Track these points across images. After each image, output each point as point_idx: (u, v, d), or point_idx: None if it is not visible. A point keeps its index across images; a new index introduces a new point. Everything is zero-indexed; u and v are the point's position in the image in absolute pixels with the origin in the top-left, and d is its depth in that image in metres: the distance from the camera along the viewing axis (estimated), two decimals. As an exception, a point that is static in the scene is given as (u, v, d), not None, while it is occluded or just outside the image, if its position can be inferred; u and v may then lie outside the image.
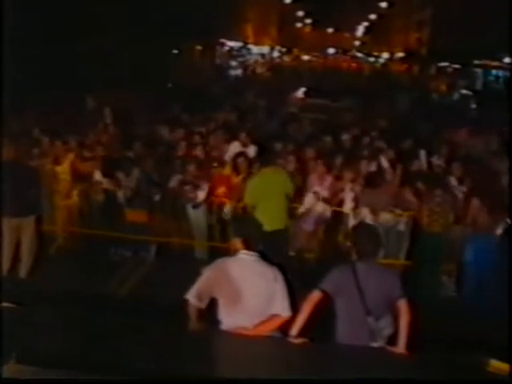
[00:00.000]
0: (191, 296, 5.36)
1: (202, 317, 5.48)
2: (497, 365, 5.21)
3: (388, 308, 5.33)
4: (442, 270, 9.23)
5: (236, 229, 5.94)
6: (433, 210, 8.84)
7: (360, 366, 4.74)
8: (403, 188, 9.68)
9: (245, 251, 5.41)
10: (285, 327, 5.40)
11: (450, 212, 8.98)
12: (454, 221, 9.36)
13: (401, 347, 5.17)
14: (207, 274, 5.42)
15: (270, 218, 8.37)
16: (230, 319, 5.38)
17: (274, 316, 5.38)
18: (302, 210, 9.56)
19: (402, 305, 5.22)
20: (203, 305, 5.37)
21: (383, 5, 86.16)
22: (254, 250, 5.46)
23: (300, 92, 25.70)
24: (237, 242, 5.50)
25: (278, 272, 5.44)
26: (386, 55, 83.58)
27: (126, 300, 8.63)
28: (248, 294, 5.30)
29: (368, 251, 5.41)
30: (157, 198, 9.87)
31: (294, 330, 5.23)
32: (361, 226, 6.49)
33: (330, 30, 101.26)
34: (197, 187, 9.78)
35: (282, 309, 5.35)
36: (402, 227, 9.50)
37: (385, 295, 5.30)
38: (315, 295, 5.32)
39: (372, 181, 9.59)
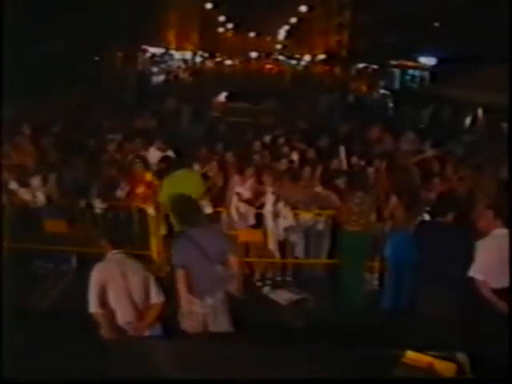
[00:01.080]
0: (93, 307, 5.74)
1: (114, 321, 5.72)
2: (412, 356, 5.33)
3: (225, 258, 6.56)
4: (364, 266, 9.39)
5: (103, 231, 6.26)
6: (353, 209, 8.96)
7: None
8: (323, 187, 9.82)
9: (114, 251, 5.95)
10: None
11: (370, 210, 9.11)
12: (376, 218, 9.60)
13: (236, 289, 6.57)
14: (93, 281, 5.83)
15: None
16: (120, 316, 5.95)
17: (154, 304, 6.11)
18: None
19: (232, 258, 6.57)
20: (108, 309, 5.82)
21: (303, 8, 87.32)
22: (122, 249, 6.05)
23: (222, 96, 25.77)
24: (105, 244, 6.05)
25: (142, 264, 6.17)
26: (307, 58, 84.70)
27: (48, 313, 8.50)
28: (127, 290, 5.91)
29: (190, 219, 6.58)
30: (76, 206, 9.71)
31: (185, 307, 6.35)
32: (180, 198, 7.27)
33: (252, 34, 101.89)
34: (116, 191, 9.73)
35: (158, 296, 6.10)
36: (321, 226, 9.65)
37: (219, 247, 6.56)
38: (181, 273, 6.33)
39: (291, 179, 9.73)
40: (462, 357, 5.59)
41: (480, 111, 20.84)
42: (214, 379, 4.50)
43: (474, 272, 6.84)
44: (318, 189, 9.83)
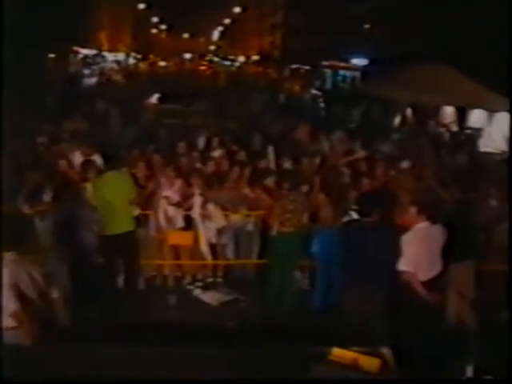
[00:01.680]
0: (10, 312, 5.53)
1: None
2: (338, 353, 5.41)
3: None
4: (295, 266, 9.45)
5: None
6: (285, 209, 9.00)
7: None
8: (252, 188, 9.86)
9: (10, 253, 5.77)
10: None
11: (302, 210, 9.18)
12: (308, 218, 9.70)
13: None
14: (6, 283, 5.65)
15: (114, 220, 8.55)
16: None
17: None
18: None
19: None
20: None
21: (237, 9, 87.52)
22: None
23: (154, 98, 25.56)
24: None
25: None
26: (241, 59, 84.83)
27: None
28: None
29: None
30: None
31: None
32: None
33: (186, 36, 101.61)
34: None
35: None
36: (250, 227, 9.68)
37: None
38: None
39: (219, 181, 9.75)
40: (386, 351, 5.71)
41: (409, 110, 21.26)
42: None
43: (403, 265, 7.03)
44: (247, 190, 9.87)
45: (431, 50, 21.65)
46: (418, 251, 7.09)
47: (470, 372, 5.68)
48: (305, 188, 9.75)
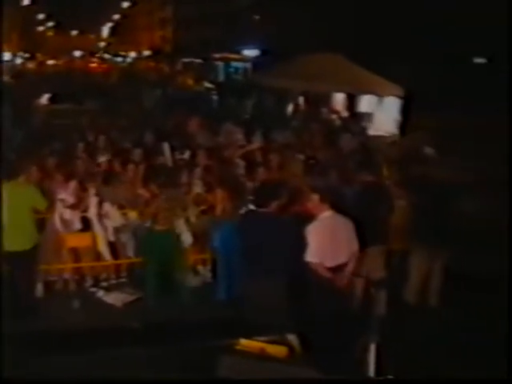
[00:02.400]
0: None
1: None
2: (245, 343, 5.45)
3: None
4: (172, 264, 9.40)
5: None
6: (162, 206, 8.95)
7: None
8: (147, 185, 9.78)
9: None
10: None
11: (180, 207, 9.14)
12: (202, 211, 9.70)
13: None
14: None
15: (16, 235, 8.14)
16: None
17: None
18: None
19: None
20: None
21: (125, 4, 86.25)
22: None
23: (44, 98, 24.90)
24: None
25: None
26: (132, 54, 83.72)
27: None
28: None
29: None
30: None
31: None
32: None
33: (75, 33, 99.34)
34: None
35: None
36: (149, 224, 9.58)
37: None
38: None
39: (114, 180, 9.62)
40: (292, 338, 5.80)
41: (301, 99, 21.59)
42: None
43: (309, 256, 7.14)
44: (142, 187, 9.79)
45: (321, 40, 22.07)
46: (323, 241, 7.20)
47: (372, 351, 5.86)
48: (199, 184, 9.81)
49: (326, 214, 7.33)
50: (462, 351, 7.36)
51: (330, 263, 7.25)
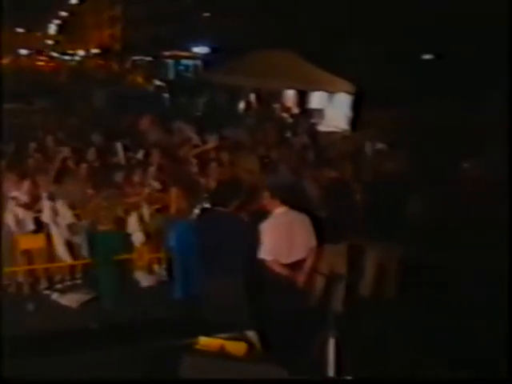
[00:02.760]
0: None
1: None
2: (205, 342, 5.46)
3: None
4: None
5: None
6: (100, 205, 8.88)
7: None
8: (98, 184, 9.69)
9: None
10: None
11: (118, 206, 9.09)
12: (157, 210, 9.67)
13: None
14: None
15: None
16: None
17: None
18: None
19: None
20: None
21: (74, 1, 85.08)
22: None
23: (-7, 98, 24.40)
24: None
25: None
26: (81, 53, 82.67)
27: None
28: None
29: None
30: None
31: None
32: None
33: (21, 30, 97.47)
34: None
35: None
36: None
37: None
38: None
39: (67, 180, 9.52)
40: (251, 335, 5.84)
41: (252, 96, 21.64)
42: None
43: (264, 254, 7.12)
44: (94, 187, 9.69)
45: (271, 37, 22.14)
46: (277, 237, 7.17)
47: (331, 346, 5.93)
48: (154, 183, 9.78)
49: (280, 211, 7.32)
50: (420, 345, 7.47)
51: (286, 260, 7.24)
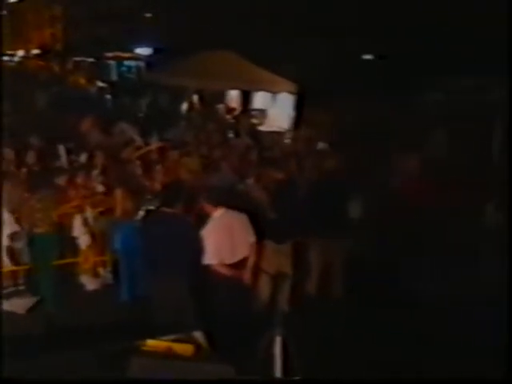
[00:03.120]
0: None
1: None
2: (152, 344, 5.48)
3: None
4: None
5: None
6: (35, 208, 8.77)
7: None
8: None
9: None
10: None
11: (53, 209, 8.99)
12: (101, 212, 9.60)
13: None
14: None
15: None
16: None
17: None
18: None
19: None
20: None
21: (12, 0, 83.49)
22: None
23: None
24: None
25: None
26: (21, 53, 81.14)
27: None
28: None
29: None
30: None
31: None
32: None
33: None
34: None
35: None
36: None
37: None
38: None
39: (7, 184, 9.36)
40: (198, 335, 5.88)
41: (195, 97, 21.60)
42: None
43: (208, 259, 7.19)
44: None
45: (215, 37, 22.10)
46: (218, 241, 7.27)
47: (278, 345, 6.01)
48: (100, 186, 9.72)
49: (218, 213, 7.40)
50: (368, 343, 7.58)
51: (230, 260, 7.35)
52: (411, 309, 8.43)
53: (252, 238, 7.55)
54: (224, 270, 7.26)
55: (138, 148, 11.75)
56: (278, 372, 6.03)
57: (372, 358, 7.15)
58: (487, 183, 10.48)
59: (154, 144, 12.00)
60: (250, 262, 7.52)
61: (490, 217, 10.34)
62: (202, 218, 7.55)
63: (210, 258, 7.19)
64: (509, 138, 11.67)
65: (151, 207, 8.21)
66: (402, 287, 8.99)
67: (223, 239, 7.32)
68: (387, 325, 7.98)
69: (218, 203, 7.42)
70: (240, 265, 7.43)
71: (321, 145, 13.68)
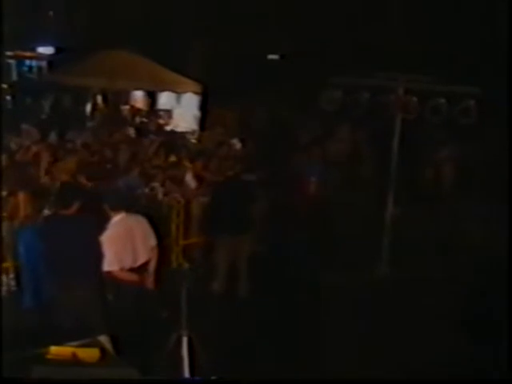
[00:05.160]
0: None
1: None
2: (55, 351, 5.37)
3: None
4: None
5: None
6: None
7: None
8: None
9: None
10: None
11: None
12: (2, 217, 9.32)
13: None
14: None
15: None
16: None
17: None
18: None
19: None
20: None
21: None
22: None
23: None
24: None
25: None
26: None
27: None
28: None
29: None
30: None
31: None
32: None
33: None
34: None
35: None
36: None
37: None
38: None
39: None
40: (104, 339, 5.80)
41: (99, 97, 21.27)
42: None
43: (108, 266, 7.05)
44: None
45: (119, 37, 21.81)
46: (118, 246, 7.12)
47: (185, 345, 6.02)
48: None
49: (117, 218, 7.26)
50: (276, 341, 7.68)
51: (131, 265, 7.22)
52: (322, 307, 8.57)
53: (153, 242, 7.47)
54: (125, 276, 7.15)
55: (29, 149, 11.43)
56: (185, 372, 6.03)
57: (279, 355, 7.25)
58: (387, 180, 10.75)
59: (53, 143, 11.75)
60: (152, 266, 7.44)
61: (389, 212, 10.62)
62: (106, 222, 7.42)
63: (110, 264, 7.04)
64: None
65: (50, 210, 8.05)
66: (313, 286, 9.15)
67: (123, 245, 7.16)
68: (293, 321, 8.11)
69: (118, 207, 7.30)
70: (142, 269, 7.33)
71: (227, 144, 13.75)
